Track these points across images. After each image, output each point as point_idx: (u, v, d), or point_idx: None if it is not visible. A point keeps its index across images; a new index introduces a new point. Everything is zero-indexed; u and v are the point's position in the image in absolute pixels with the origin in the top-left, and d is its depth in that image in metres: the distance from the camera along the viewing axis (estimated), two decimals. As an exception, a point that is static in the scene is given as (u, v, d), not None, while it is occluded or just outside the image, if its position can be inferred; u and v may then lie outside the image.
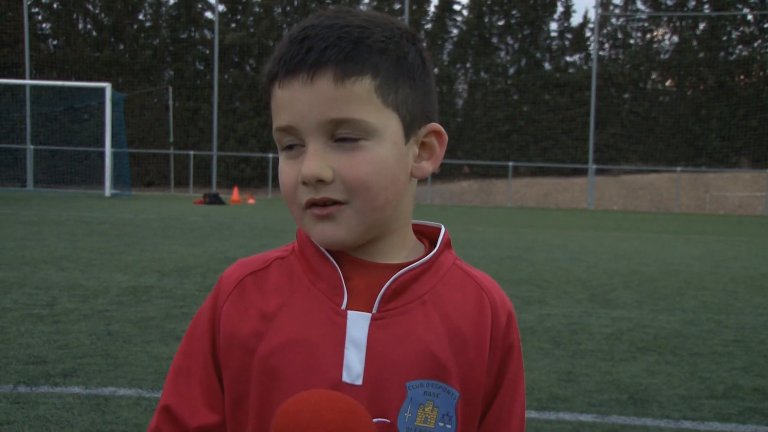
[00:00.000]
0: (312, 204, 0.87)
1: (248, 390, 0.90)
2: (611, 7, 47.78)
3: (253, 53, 45.23)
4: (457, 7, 49.11)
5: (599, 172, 41.49)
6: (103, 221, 14.28)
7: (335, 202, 0.86)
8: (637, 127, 45.35)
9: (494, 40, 48.09)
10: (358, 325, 0.88)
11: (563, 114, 45.39)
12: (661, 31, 48.27)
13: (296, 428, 0.75)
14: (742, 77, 45.93)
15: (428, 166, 0.93)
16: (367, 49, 0.85)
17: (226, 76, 44.64)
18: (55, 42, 44.89)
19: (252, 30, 46.12)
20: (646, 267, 9.43)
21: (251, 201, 28.38)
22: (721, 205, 40.51)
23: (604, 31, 47.43)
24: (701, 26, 47.26)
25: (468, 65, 48.00)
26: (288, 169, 0.88)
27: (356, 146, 0.85)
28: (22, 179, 33.69)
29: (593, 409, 3.39)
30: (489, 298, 0.94)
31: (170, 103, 41.96)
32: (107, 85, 27.39)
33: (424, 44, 0.94)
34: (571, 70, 47.16)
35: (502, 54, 48.30)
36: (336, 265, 0.90)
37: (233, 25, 46.61)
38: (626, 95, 46.89)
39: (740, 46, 46.57)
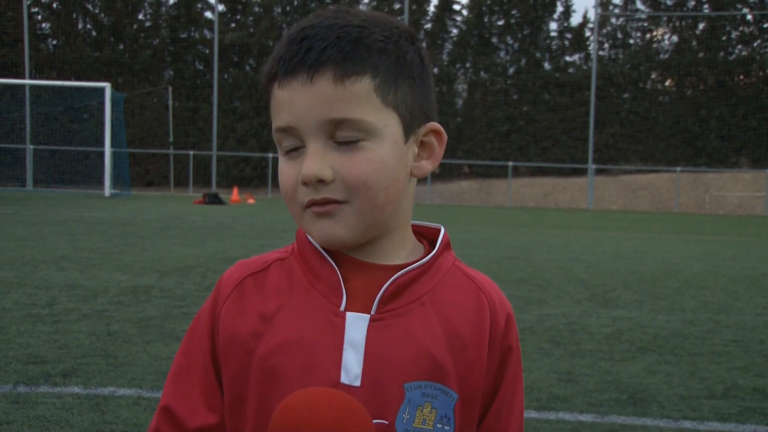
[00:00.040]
0: (312, 204, 0.87)
1: (247, 391, 0.90)
2: (611, 7, 47.80)
3: (253, 53, 45.23)
4: (456, 7, 49.18)
5: (599, 172, 41.51)
6: (102, 221, 14.28)
7: (336, 202, 0.86)
8: (637, 127, 45.37)
9: (494, 39, 48.10)
10: (356, 326, 0.88)
11: (563, 114, 45.40)
12: (660, 31, 48.29)
13: (294, 425, 0.76)
14: (741, 77, 45.95)
15: (428, 166, 0.93)
16: (367, 49, 0.85)
17: (225, 76, 44.65)
18: (54, 42, 44.90)
19: (252, 30, 46.13)
20: (646, 267, 9.43)
21: (251, 201, 28.40)
22: (720, 205, 40.53)
23: (604, 31, 47.45)
24: (701, 26, 47.28)
25: (468, 65, 48.01)
26: (288, 170, 0.88)
27: (356, 146, 0.85)
28: (21, 179, 33.70)
29: (593, 409, 3.39)
30: (488, 300, 0.93)
31: (170, 103, 41.96)
32: (107, 85, 27.39)
33: (424, 44, 0.94)
34: (570, 70, 47.17)
35: (502, 54, 48.32)
36: (335, 266, 0.90)
37: (233, 24, 46.62)
38: (626, 95, 46.91)
39: (740, 46, 46.59)
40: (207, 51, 44.15)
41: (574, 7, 73.65)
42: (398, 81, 0.87)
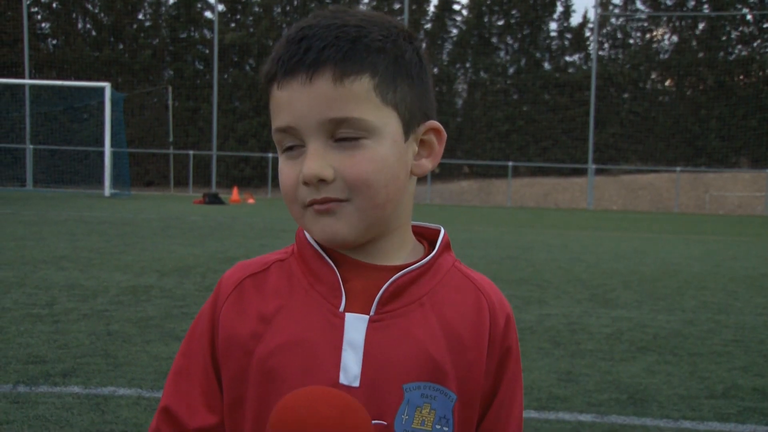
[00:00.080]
0: (313, 203, 0.87)
1: (246, 391, 0.90)
2: (611, 7, 47.80)
3: (253, 53, 45.23)
4: (456, 7, 49.17)
5: (599, 172, 41.51)
6: (102, 221, 14.27)
7: (337, 200, 0.86)
8: (637, 127, 45.38)
9: (494, 39, 48.11)
10: (355, 327, 0.88)
11: (563, 114, 45.41)
12: (660, 31, 48.29)
13: (294, 423, 0.76)
14: (741, 77, 45.95)
15: (428, 164, 0.93)
16: (365, 48, 0.85)
17: (225, 76, 44.65)
18: (54, 41, 44.90)
19: (251, 30, 46.13)
20: (646, 267, 9.43)
21: (251, 201, 28.40)
22: (720, 205, 40.53)
23: (604, 31, 47.45)
24: (701, 26, 47.29)
25: (467, 65, 48.00)
26: (288, 170, 0.88)
27: (356, 145, 0.85)
28: (21, 179, 33.70)
29: (593, 409, 3.39)
30: (487, 301, 0.93)
31: (170, 102, 41.95)
32: (107, 85, 27.39)
33: (424, 44, 0.94)
34: (570, 70, 47.17)
35: (502, 54, 48.32)
36: (334, 267, 0.90)
37: (233, 24, 46.63)
38: (626, 95, 46.91)
39: (740, 46, 46.59)
40: (207, 51, 44.15)
41: (574, 7, 73.71)
42: (397, 80, 0.87)
